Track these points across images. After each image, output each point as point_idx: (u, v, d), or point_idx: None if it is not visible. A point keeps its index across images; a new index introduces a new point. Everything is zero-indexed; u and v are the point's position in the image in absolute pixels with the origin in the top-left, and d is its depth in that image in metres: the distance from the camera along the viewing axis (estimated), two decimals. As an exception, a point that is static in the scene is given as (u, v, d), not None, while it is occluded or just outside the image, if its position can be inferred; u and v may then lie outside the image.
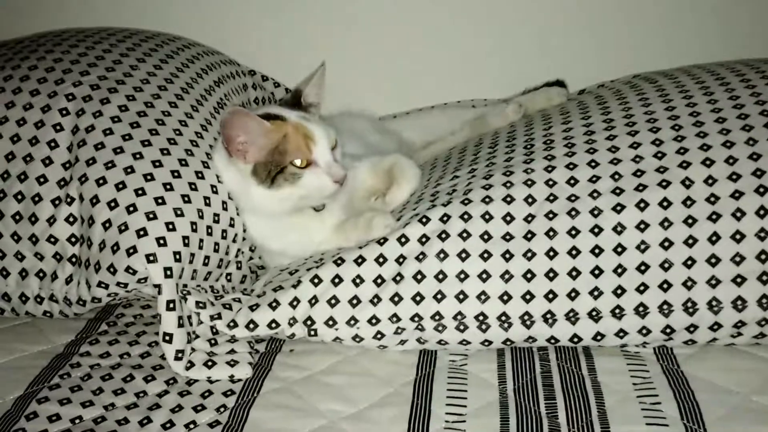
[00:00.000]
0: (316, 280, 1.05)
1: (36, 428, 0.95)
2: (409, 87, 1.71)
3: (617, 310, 0.99)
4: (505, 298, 1.01)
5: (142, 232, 1.03)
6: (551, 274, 1.01)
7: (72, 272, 1.10)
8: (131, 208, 1.05)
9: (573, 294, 1.00)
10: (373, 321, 1.03)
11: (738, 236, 0.97)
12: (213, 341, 1.07)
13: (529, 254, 1.02)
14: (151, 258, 1.02)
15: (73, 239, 1.10)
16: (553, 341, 1.02)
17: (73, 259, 1.10)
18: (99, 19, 1.57)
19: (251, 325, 1.04)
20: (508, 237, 1.03)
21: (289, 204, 1.13)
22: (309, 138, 1.11)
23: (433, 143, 1.55)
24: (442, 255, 1.03)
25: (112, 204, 1.06)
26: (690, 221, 0.99)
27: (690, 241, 0.98)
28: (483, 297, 1.01)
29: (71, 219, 1.10)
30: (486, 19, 1.67)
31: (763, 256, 0.97)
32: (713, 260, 0.97)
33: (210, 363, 1.03)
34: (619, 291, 0.99)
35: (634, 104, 1.18)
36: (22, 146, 1.14)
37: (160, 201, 1.06)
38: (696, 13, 1.60)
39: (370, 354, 1.07)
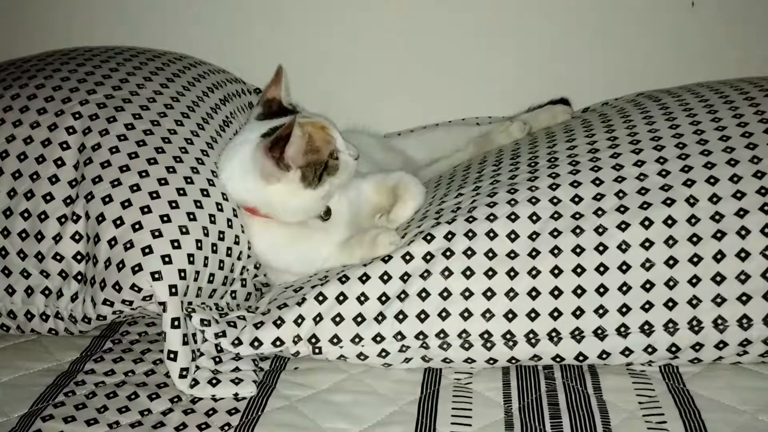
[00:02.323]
0: (320, 298, 1.05)
1: (41, 446, 0.95)
2: (415, 104, 1.72)
3: (622, 329, 0.99)
4: (510, 316, 1.01)
5: (147, 250, 1.04)
6: (556, 292, 1.01)
7: (77, 290, 1.11)
8: (137, 226, 1.06)
9: (578, 312, 1.00)
10: (378, 339, 1.03)
11: (743, 254, 0.97)
12: (217, 359, 1.07)
13: (534, 272, 1.02)
14: (156, 276, 1.02)
15: (78, 257, 1.11)
16: (558, 359, 1.01)
17: (79, 277, 1.11)
18: (105, 37, 1.58)
19: (255, 343, 1.04)
20: (512, 255, 1.04)
21: (327, 198, 1.17)
22: (326, 129, 1.15)
23: (438, 161, 1.55)
24: (446, 273, 1.03)
25: (118, 222, 1.07)
26: (695, 239, 0.99)
27: (695, 260, 0.98)
28: (488, 315, 1.01)
29: (77, 237, 1.11)
30: (491, 36, 1.68)
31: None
32: (718, 278, 0.97)
33: (214, 381, 1.03)
34: (624, 309, 0.99)
35: (638, 122, 1.19)
36: (29, 164, 1.15)
37: (165, 219, 1.07)
38: (701, 31, 1.61)
39: (374, 372, 1.07)
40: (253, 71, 1.58)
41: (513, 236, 1.05)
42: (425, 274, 1.04)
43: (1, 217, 1.13)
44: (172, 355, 1.02)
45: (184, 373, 1.02)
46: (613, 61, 1.65)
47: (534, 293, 1.01)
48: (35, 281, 1.12)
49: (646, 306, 0.99)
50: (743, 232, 0.98)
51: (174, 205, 1.09)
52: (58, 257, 1.11)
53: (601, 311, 0.99)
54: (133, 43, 1.51)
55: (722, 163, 1.04)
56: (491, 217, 1.07)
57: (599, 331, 0.99)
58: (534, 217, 1.06)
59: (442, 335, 1.02)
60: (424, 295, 1.03)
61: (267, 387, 1.05)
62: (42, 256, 1.11)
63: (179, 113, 1.25)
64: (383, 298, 1.04)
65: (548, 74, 1.67)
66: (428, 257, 1.05)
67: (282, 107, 1.22)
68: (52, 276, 1.12)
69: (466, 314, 1.02)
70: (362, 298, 1.04)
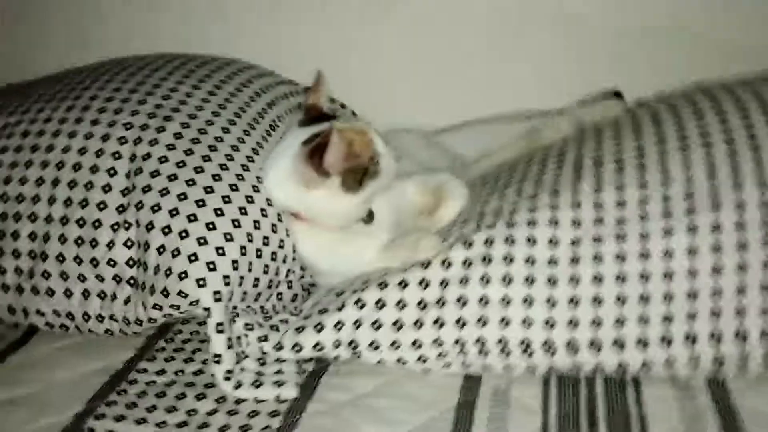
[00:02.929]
0: (360, 303, 1.06)
1: (94, 444, 0.99)
2: (464, 95, 1.71)
3: (665, 339, 0.96)
4: (550, 324, 1.00)
5: (193, 258, 1.07)
6: (597, 301, 0.99)
7: (130, 294, 1.15)
8: (183, 234, 1.09)
9: (619, 321, 0.98)
10: (417, 345, 1.04)
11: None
12: (262, 361, 1.09)
13: (575, 280, 1.00)
14: (201, 282, 1.05)
15: (130, 262, 1.15)
16: (599, 369, 1.00)
17: (131, 282, 1.15)
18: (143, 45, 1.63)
19: (297, 347, 1.06)
20: (553, 261, 1.02)
21: (368, 202, 1.18)
22: (366, 134, 1.16)
23: (487, 156, 1.53)
24: (485, 279, 1.03)
25: (166, 230, 1.10)
26: (742, 247, 0.96)
27: (742, 268, 0.95)
28: (527, 323, 1.01)
29: (129, 243, 1.15)
30: (542, 22, 1.64)
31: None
32: (767, 288, 0.94)
33: (258, 383, 1.05)
34: (667, 319, 0.96)
35: (688, 120, 1.15)
36: (83, 174, 1.20)
37: (210, 227, 1.10)
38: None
39: (414, 376, 1.07)
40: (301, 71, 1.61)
41: (554, 242, 1.03)
42: (464, 281, 1.04)
43: (58, 224, 1.18)
44: (217, 359, 1.05)
45: (229, 375, 1.05)
46: (671, 50, 1.59)
47: (574, 301, 1.00)
48: (91, 285, 1.17)
49: (691, 316, 0.96)
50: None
51: (219, 212, 1.12)
52: (112, 263, 1.15)
53: (643, 321, 0.97)
54: (179, 49, 1.55)
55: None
56: (532, 223, 1.06)
57: (641, 341, 0.97)
58: (576, 223, 1.04)
59: (480, 342, 1.02)
60: (462, 301, 1.03)
61: (309, 390, 1.06)
62: (96, 262, 1.16)
63: (226, 120, 1.28)
64: (422, 305, 1.05)
65: (602, 63, 1.63)
66: (467, 263, 1.05)
67: (322, 113, 1.23)
68: (106, 280, 1.16)
69: (505, 322, 1.01)
70: (401, 304, 1.05)
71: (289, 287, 1.23)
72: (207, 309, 1.05)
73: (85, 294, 1.18)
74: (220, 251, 1.08)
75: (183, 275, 1.06)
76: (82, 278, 1.17)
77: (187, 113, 1.26)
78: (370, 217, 1.23)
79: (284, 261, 1.19)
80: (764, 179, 0.99)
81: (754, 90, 1.18)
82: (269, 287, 1.17)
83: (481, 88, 1.70)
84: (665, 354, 0.96)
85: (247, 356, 1.09)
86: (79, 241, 1.17)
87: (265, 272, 1.15)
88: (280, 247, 1.18)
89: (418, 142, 1.52)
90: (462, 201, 1.24)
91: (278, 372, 1.08)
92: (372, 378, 1.08)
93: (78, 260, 1.17)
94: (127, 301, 1.15)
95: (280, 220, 1.19)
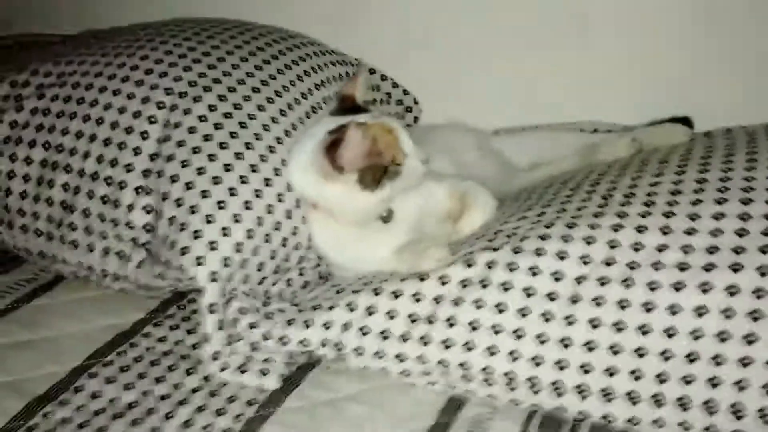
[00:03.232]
0: (351, 306, 1.04)
1: (77, 402, 1.03)
2: (531, 101, 1.64)
3: (658, 398, 0.90)
4: (537, 361, 0.95)
5: (197, 234, 1.08)
6: (591, 346, 0.93)
7: (143, 258, 1.18)
8: (193, 209, 1.10)
9: (611, 371, 0.92)
10: (400, 358, 1.01)
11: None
12: (254, 346, 1.10)
13: (571, 319, 0.95)
14: (200, 260, 1.06)
15: (148, 227, 1.17)
16: (583, 416, 0.94)
17: (147, 246, 1.18)
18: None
19: (283, 340, 1.05)
20: (552, 296, 0.97)
21: (388, 201, 1.15)
22: (393, 132, 1.13)
23: (538, 167, 1.47)
24: (479, 303, 0.99)
25: (179, 202, 1.12)
26: (755, 316, 0.87)
27: (750, 339, 0.87)
28: (514, 355, 0.96)
29: (148, 209, 1.17)
30: (621, 39, 1.55)
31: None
32: (773, 365, 0.85)
33: (243, 368, 1.06)
34: (662, 378, 0.90)
35: (738, 165, 1.05)
36: (119, 134, 1.22)
37: (221, 205, 1.10)
38: None
39: (400, 388, 1.05)
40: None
41: (557, 276, 0.98)
42: (458, 301, 1.00)
43: (88, 179, 1.22)
44: (206, 338, 1.06)
45: (216, 356, 1.06)
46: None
47: (566, 342, 0.94)
48: (111, 243, 1.21)
49: (687, 379, 0.89)
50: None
51: (233, 192, 1.12)
52: (131, 225, 1.18)
53: (636, 375, 0.91)
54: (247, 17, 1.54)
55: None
56: (539, 252, 1.00)
57: (632, 395, 0.91)
58: (585, 259, 0.98)
59: (464, 367, 0.99)
60: (452, 322, 1.00)
61: (292, 383, 1.06)
62: (117, 222, 1.19)
63: (264, 98, 1.27)
64: (412, 318, 1.02)
65: (680, 86, 1.52)
66: (465, 283, 1.01)
67: (356, 105, 1.21)
68: (124, 241, 1.19)
69: (492, 350, 0.97)
70: (392, 314, 1.03)
71: (301, 274, 1.22)
72: (201, 287, 1.05)
73: (106, 251, 1.22)
74: (225, 231, 1.09)
75: (185, 250, 1.07)
76: (104, 235, 1.21)
77: (228, 86, 1.26)
78: (389, 215, 1.20)
79: (296, 248, 1.19)
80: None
81: None
82: (276, 273, 1.17)
83: (550, 94, 1.62)
84: (654, 414, 0.90)
85: (240, 339, 1.10)
86: (105, 199, 1.20)
87: (272, 258, 1.15)
88: (293, 233, 1.18)
89: (469, 141, 1.48)
90: (486, 213, 1.19)
91: (266, 360, 1.08)
92: (357, 382, 1.07)
93: (102, 217, 1.21)
94: (139, 265, 1.18)
95: (298, 206, 1.18)
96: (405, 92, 1.68)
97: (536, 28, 1.58)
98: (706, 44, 1.48)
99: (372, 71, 1.63)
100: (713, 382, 0.88)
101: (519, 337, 0.96)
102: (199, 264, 1.06)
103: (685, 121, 1.40)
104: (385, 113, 1.38)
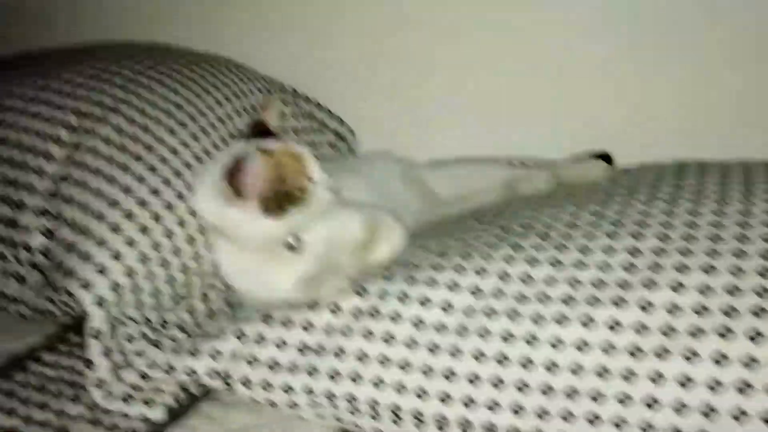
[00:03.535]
0: (240, 335, 1.02)
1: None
2: (459, 133, 1.65)
3: (539, 434, 0.88)
4: (421, 394, 0.93)
5: (86, 257, 1.05)
6: (473, 379, 0.91)
7: (37, 280, 1.14)
8: (85, 231, 1.08)
9: (493, 405, 0.90)
10: (287, 390, 0.98)
11: (685, 381, 0.83)
12: (144, 375, 1.06)
13: (455, 351, 0.93)
14: (86, 285, 1.03)
15: (43, 250, 1.14)
16: (469, 451, 0.92)
17: (42, 269, 1.15)
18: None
19: (169, 369, 1.02)
20: (440, 328, 0.95)
21: (295, 229, 1.11)
22: (300, 159, 1.10)
23: (462, 199, 1.46)
24: (368, 334, 0.97)
25: (73, 224, 1.09)
26: (635, 353, 0.86)
27: (627, 376, 0.85)
28: (400, 388, 0.94)
29: (44, 231, 1.14)
30: (545, 74, 1.56)
31: (709, 412, 0.82)
32: (650, 402, 0.84)
33: (128, 398, 1.03)
34: (542, 414, 0.88)
35: (638, 201, 1.05)
36: (22, 154, 1.20)
37: (115, 228, 1.08)
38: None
39: (289, 423, 1.02)
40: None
41: (447, 307, 0.96)
42: (347, 331, 0.98)
43: None
44: (89, 364, 1.03)
45: (100, 383, 1.03)
46: (677, 119, 1.48)
47: (450, 375, 0.92)
48: (10, 266, 1.17)
49: (565, 416, 0.87)
50: (690, 356, 0.84)
51: (129, 215, 1.10)
52: (28, 248, 1.15)
53: (517, 409, 0.89)
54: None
55: (697, 269, 0.89)
56: (431, 282, 0.99)
57: (513, 431, 0.89)
58: (475, 291, 0.97)
59: (351, 399, 0.96)
60: (340, 353, 0.97)
61: (179, 415, 1.03)
62: (15, 244, 1.16)
63: (176, 121, 1.25)
64: (302, 348, 0.99)
65: (608, 123, 1.53)
66: (356, 313, 0.99)
67: (268, 130, 1.19)
68: (24, 265, 1.16)
69: (378, 383, 0.95)
70: (281, 344, 1.00)
71: (205, 303, 1.19)
72: (86, 313, 1.02)
73: (5, 274, 1.18)
74: (116, 256, 1.06)
75: (70, 273, 1.04)
76: (2, 257, 1.18)
77: (137, 107, 1.25)
78: (299, 244, 1.18)
79: (199, 275, 1.16)
80: (682, 284, 0.88)
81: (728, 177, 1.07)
82: (174, 300, 1.14)
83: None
84: (534, 449, 0.88)
85: (129, 366, 1.06)
86: (3, 220, 1.17)
87: (170, 284, 1.12)
88: (195, 260, 1.15)
89: (393, 171, 1.47)
90: (394, 246, 1.17)
91: (155, 390, 1.05)
92: (248, 414, 1.03)
93: (1, 239, 1.17)
94: (33, 289, 1.15)
95: (202, 232, 1.16)
96: (341, 122, 1.68)
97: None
98: (626, 84, 1.49)
99: (307, 100, 1.63)
100: (591, 420, 0.86)
101: (405, 368, 0.94)
102: (84, 287, 1.03)
103: (605, 157, 1.41)
104: (303, 142, 1.37)
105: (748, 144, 1.36)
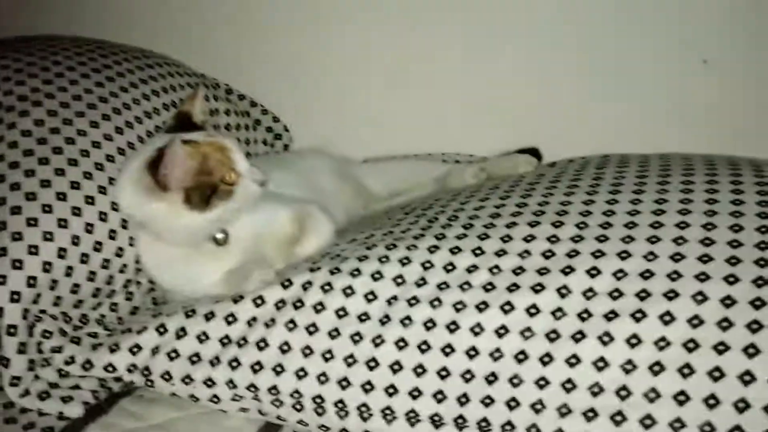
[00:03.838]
0: (161, 329, 1.00)
1: None
2: (396, 130, 1.65)
3: (458, 421, 0.88)
4: (344, 384, 0.92)
5: (1, 251, 1.02)
6: (396, 367, 0.91)
7: None
8: (1, 225, 1.04)
9: (416, 393, 0.90)
10: (209, 383, 0.97)
11: (601, 363, 0.84)
12: (63, 372, 1.04)
13: (379, 340, 0.93)
14: (0, 280, 1.00)
15: None
16: (393, 440, 0.92)
17: None
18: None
19: (87, 365, 1.00)
20: (363, 317, 0.95)
21: (221, 223, 1.11)
22: (226, 151, 1.09)
23: (398, 195, 1.47)
24: (291, 325, 0.96)
25: (-13, 219, 1.05)
26: (552, 336, 0.87)
27: (546, 359, 0.86)
28: (323, 378, 0.93)
29: None
30: (481, 70, 1.58)
31: (623, 392, 0.83)
32: (568, 386, 0.85)
33: (44, 395, 1.00)
34: (463, 399, 0.88)
35: (558, 192, 1.07)
36: None
37: (32, 222, 1.05)
38: (713, 92, 1.44)
39: (212, 416, 1.01)
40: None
41: (370, 297, 0.96)
42: (270, 323, 0.97)
43: None
44: (4, 362, 0.99)
45: (16, 381, 1.00)
46: (610, 116, 1.51)
47: (372, 363, 0.92)
48: None
49: (486, 401, 0.87)
50: (606, 339, 0.85)
51: (47, 209, 1.07)
52: None
53: (439, 396, 0.89)
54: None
55: (613, 255, 0.91)
56: (355, 273, 0.98)
57: (434, 419, 0.89)
58: (399, 280, 0.97)
59: (274, 391, 0.95)
60: (263, 345, 0.96)
61: (98, 411, 1.01)
62: None
63: (99, 114, 1.23)
64: (224, 341, 0.98)
65: (539, 121, 1.56)
66: (280, 304, 0.98)
67: (193, 123, 1.18)
68: None
69: (301, 373, 0.94)
70: (203, 337, 0.98)
71: (129, 299, 1.17)
72: (1, 308, 0.99)
73: None
74: (33, 250, 1.03)
75: None
76: None
77: (61, 101, 1.21)
78: (225, 238, 1.16)
79: (122, 271, 1.14)
80: (598, 269, 0.90)
81: (666, 167, 1.09)
82: (95, 296, 1.11)
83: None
84: (455, 435, 0.88)
85: (48, 364, 1.03)
86: None
87: (90, 279, 1.09)
88: (118, 255, 1.12)
89: (325, 166, 1.46)
90: (323, 238, 1.17)
91: (74, 387, 1.02)
92: (170, 410, 1.02)
93: None
94: None
95: (124, 226, 1.13)
96: (275, 119, 1.67)
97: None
98: (557, 83, 1.52)
99: (241, 97, 1.62)
100: (510, 404, 0.86)
101: (328, 359, 0.93)
102: (0, 283, 1.00)
103: (534, 152, 1.43)
104: (236, 139, 1.36)
105: (675, 139, 1.40)
